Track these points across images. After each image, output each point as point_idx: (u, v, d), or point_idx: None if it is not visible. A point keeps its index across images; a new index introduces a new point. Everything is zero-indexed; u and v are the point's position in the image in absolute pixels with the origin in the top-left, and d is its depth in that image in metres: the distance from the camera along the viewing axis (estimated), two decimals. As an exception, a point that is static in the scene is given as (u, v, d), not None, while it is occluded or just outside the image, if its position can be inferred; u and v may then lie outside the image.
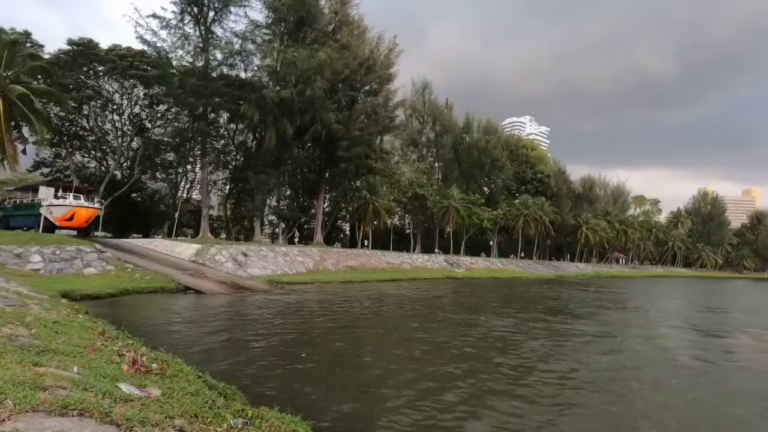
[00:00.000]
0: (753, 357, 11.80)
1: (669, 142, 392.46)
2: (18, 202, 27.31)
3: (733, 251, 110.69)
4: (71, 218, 24.84)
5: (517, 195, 65.15)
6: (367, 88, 41.57)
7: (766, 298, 36.45)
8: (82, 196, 26.44)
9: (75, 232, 25.67)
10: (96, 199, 29.31)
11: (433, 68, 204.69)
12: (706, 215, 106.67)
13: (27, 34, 28.95)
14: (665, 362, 10.20)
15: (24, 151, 29.23)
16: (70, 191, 26.33)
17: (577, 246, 74.18)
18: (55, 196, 25.32)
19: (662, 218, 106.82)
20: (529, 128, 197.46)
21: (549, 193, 66.45)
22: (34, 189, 27.79)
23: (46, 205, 24.56)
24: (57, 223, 24.58)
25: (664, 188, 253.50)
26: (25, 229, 24.61)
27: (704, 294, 38.30)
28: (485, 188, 63.65)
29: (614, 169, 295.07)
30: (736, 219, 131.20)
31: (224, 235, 44.03)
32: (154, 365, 5.49)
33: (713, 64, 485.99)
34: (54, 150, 34.38)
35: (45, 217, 24.36)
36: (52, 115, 30.61)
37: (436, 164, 61.13)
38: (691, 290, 42.84)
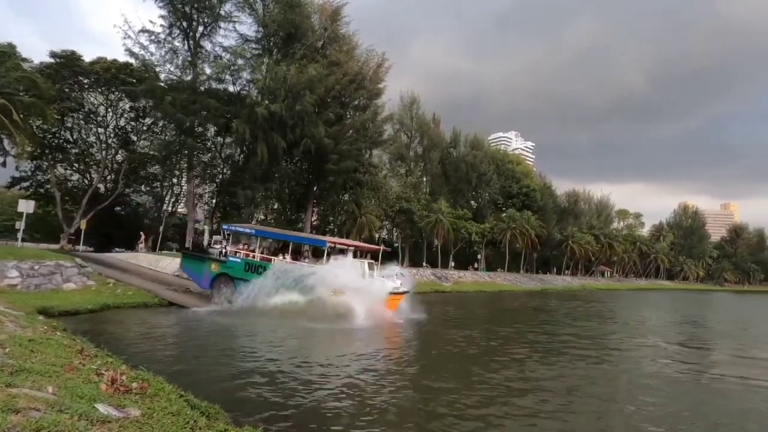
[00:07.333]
0: None
1: (648, 156, 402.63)
2: (247, 255, 18.07)
3: (714, 264, 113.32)
4: None
5: (503, 209, 65.91)
6: (356, 103, 41.87)
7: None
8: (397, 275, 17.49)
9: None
10: (398, 271, 19.42)
11: (417, 78, 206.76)
12: (687, 229, 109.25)
13: (12, 47, 28.50)
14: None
15: (4, 164, 28.48)
16: (365, 256, 17.44)
17: (563, 259, 75.08)
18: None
19: (645, 232, 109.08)
20: (515, 143, 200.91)
21: (535, 207, 67.42)
22: (276, 239, 19.39)
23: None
24: None
25: (644, 202, 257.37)
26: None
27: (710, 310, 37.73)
28: (473, 202, 64.28)
29: (597, 183, 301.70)
30: (716, 232, 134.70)
31: (210, 249, 43.31)
32: (135, 384, 5.34)
33: (688, 80, 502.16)
34: (35, 163, 33.61)
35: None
36: (34, 127, 29.99)
37: (425, 178, 61.63)
38: (691, 305, 42.12)
